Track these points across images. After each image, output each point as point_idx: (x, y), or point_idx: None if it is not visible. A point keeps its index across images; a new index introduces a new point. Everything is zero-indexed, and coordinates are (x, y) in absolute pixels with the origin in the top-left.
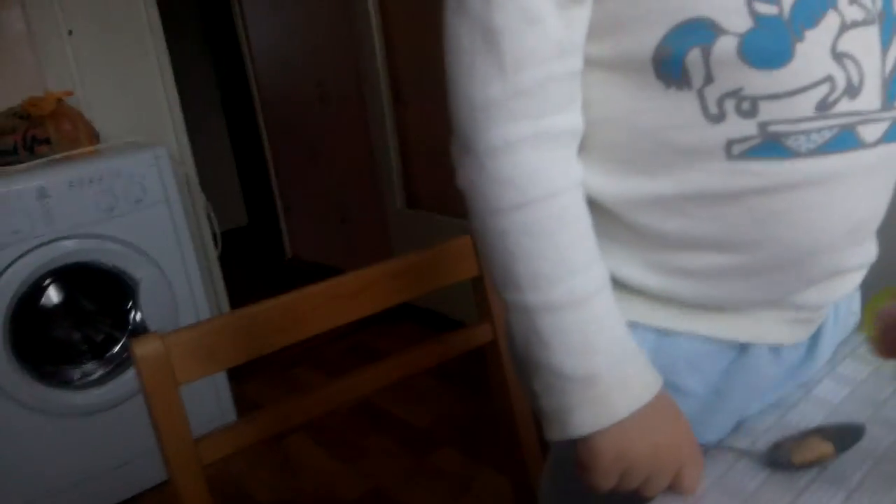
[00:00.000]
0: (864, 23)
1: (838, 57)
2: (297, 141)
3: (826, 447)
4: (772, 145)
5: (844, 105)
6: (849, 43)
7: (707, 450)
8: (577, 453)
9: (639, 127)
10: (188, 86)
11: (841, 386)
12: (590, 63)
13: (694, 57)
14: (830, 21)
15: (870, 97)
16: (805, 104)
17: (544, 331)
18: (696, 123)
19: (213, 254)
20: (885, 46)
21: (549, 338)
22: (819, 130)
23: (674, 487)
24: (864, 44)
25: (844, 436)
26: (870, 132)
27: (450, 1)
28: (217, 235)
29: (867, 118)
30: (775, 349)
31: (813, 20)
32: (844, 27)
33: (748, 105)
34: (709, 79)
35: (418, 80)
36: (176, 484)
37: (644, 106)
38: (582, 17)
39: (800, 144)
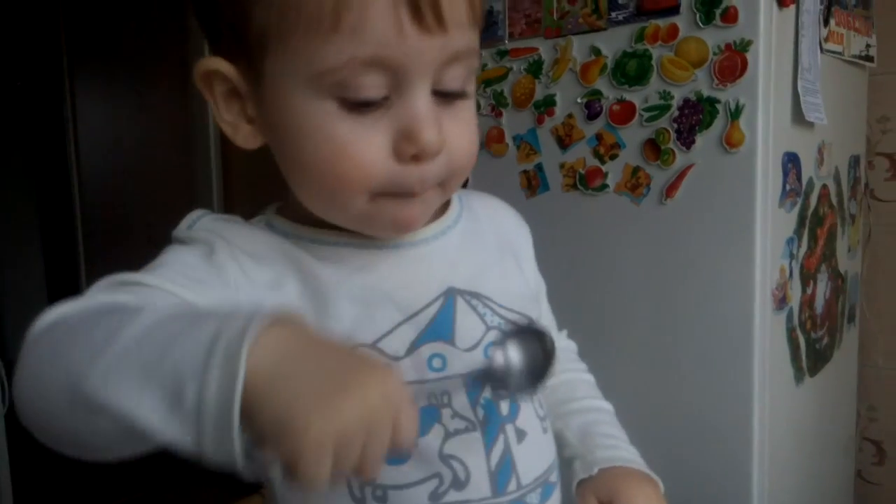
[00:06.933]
0: (466, 430)
1: (445, 458)
2: None
3: None
4: None
5: (453, 496)
6: (454, 447)
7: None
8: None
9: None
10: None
11: None
12: None
13: None
14: (436, 431)
15: (479, 488)
16: (421, 494)
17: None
18: (346, 502)
19: None
20: (489, 447)
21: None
22: None
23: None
24: (467, 447)
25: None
26: None
27: None
28: (6, 394)
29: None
30: None
31: (424, 430)
32: (448, 435)
33: (380, 492)
34: None
35: None
36: None
37: None
38: None
39: None
